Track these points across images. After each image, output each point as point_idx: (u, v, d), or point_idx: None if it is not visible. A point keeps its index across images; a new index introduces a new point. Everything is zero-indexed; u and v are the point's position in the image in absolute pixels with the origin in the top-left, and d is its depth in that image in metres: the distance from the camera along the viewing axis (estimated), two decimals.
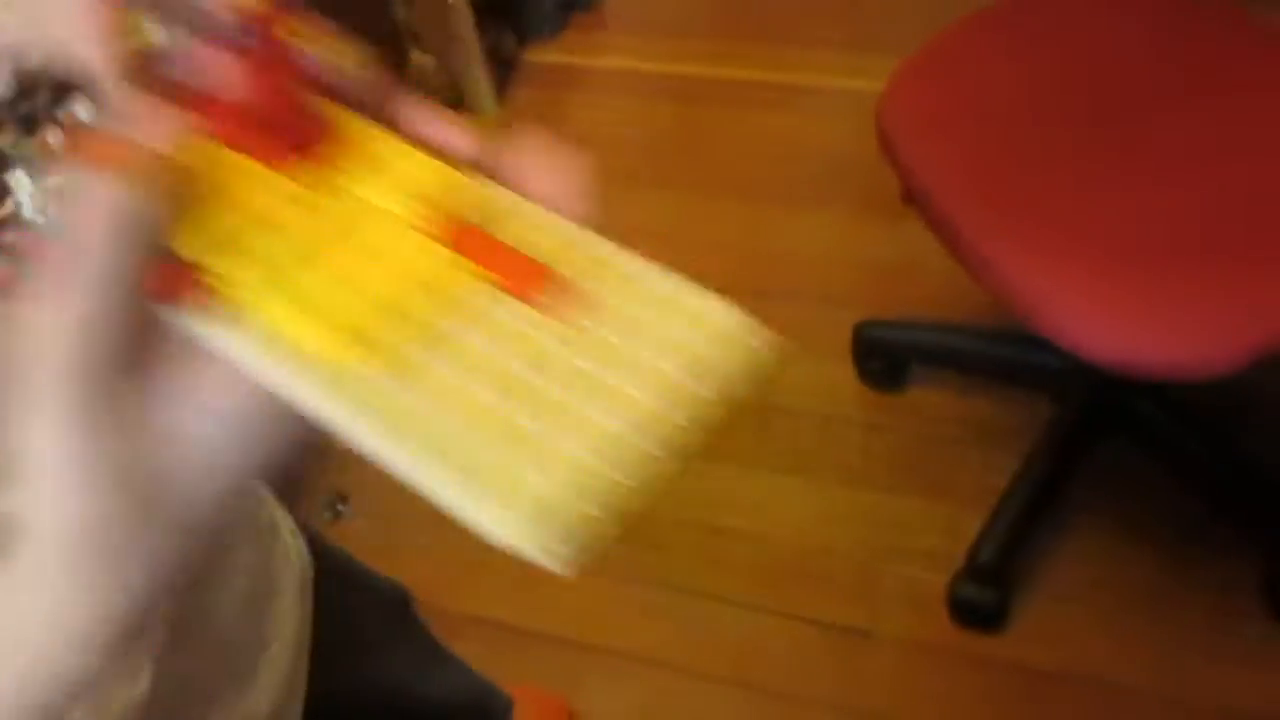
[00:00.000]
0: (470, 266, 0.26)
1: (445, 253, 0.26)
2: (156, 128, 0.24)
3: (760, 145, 1.80)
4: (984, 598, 1.24)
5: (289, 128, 0.27)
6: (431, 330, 0.24)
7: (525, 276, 0.25)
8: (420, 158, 0.27)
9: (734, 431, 1.45)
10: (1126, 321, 0.93)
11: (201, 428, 0.24)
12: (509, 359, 0.24)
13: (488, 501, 0.22)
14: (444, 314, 0.25)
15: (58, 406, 0.22)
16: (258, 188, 0.26)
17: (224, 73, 0.26)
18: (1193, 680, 1.19)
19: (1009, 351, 1.36)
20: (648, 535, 1.38)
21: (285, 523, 0.56)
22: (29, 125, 1.01)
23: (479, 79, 1.86)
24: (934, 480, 1.37)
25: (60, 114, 0.97)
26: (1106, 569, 1.28)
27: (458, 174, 0.27)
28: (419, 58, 1.85)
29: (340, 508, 1.44)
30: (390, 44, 1.55)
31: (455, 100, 1.90)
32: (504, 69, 1.98)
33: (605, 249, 0.27)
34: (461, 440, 0.23)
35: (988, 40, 1.15)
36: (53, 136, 1.02)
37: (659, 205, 1.72)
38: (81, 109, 0.98)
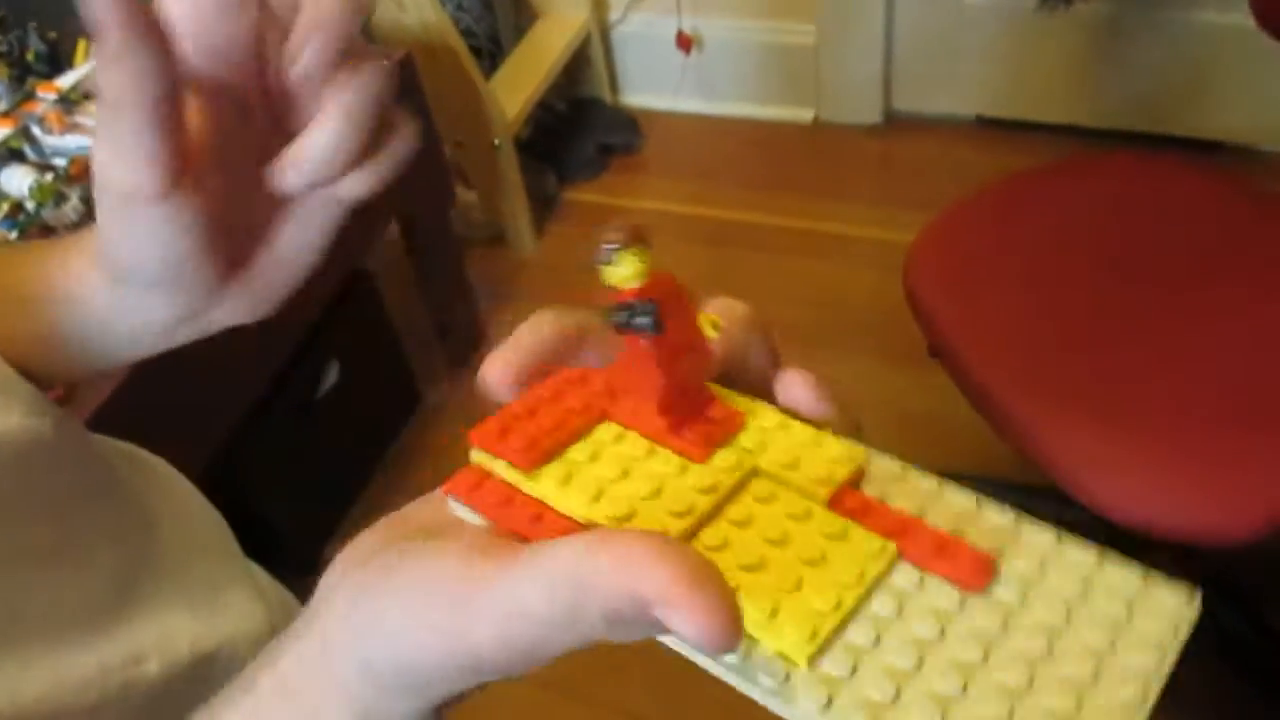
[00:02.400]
0: (896, 551, 0.26)
1: (876, 540, 0.26)
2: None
3: (791, 290, 1.84)
4: None
5: (698, 413, 0.28)
6: (876, 620, 0.24)
7: (969, 568, 0.25)
8: (812, 433, 0.29)
9: None
10: (1144, 483, 0.93)
11: None
12: (951, 647, 0.24)
13: None
14: (883, 603, 0.25)
15: None
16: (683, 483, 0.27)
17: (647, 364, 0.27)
18: None
19: (1031, 504, 1.35)
20: (664, 667, 1.36)
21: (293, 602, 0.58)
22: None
23: (520, 216, 1.93)
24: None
25: None
26: None
27: (857, 448, 0.28)
28: (464, 194, 1.93)
29: None
30: (439, 181, 1.62)
31: (496, 234, 1.97)
32: (545, 207, 2.05)
33: (1001, 517, 0.27)
34: None
35: (1015, 203, 1.19)
36: None
37: None
38: None
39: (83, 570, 0.40)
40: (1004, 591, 0.25)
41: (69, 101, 1.29)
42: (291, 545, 1.49)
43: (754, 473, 0.28)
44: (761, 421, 0.29)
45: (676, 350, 0.27)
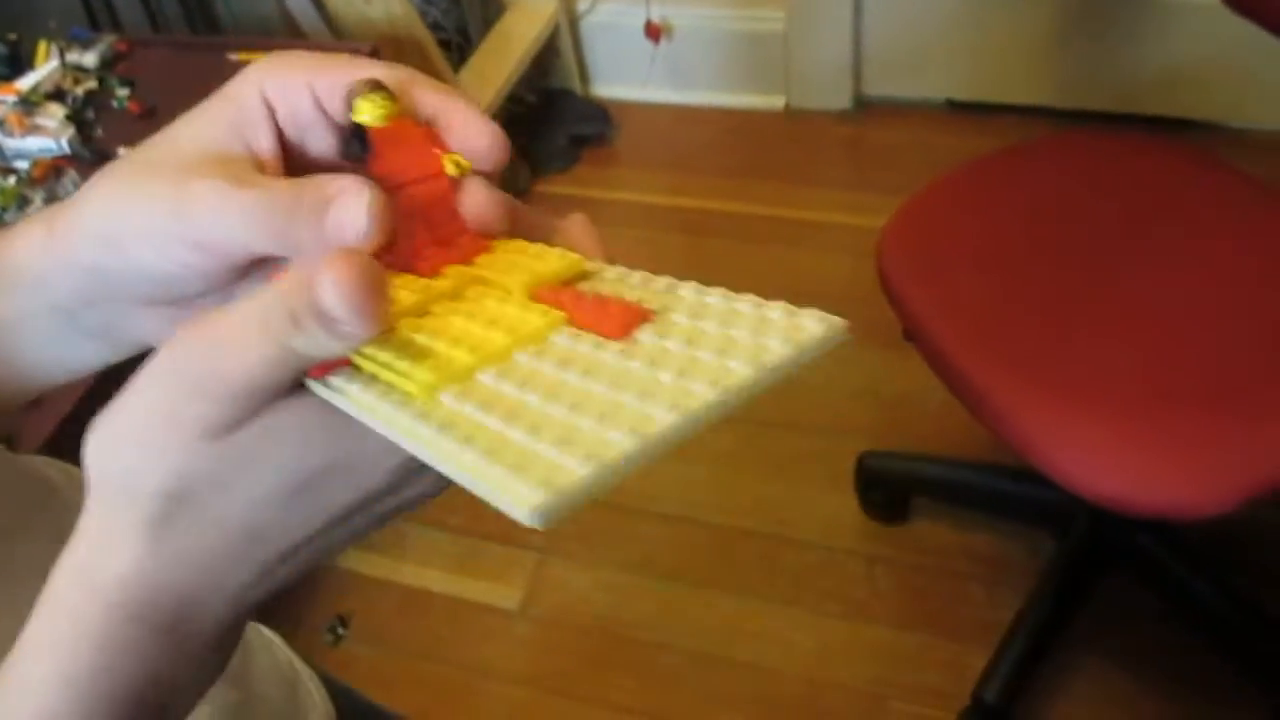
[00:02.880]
0: (564, 318, 0.29)
1: (551, 313, 0.30)
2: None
3: (765, 277, 1.84)
4: None
5: (451, 246, 0.33)
6: (511, 365, 0.28)
7: (609, 316, 0.29)
8: (540, 249, 0.33)
9: (740, 562, 1.45)
10: (1122, 460, 0.94)
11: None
12: (565, 374, 0.27)
13: (505, 478, 0.24)
14: (528, 353, 0.28)
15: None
16: (413, 288, 0.31)
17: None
18: None
19: (1011, 486, 1.36)
20: (655, 670, 1.36)
21: (304, 669, 0.57)
22: None
23: None
24: (937, 615, 1.36)
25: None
26: (1112, 709, 1.26)
27: (572, 256, 0.32)
28: None
29: (340, 631, 1.43)
30: None
31: None
32: (517, 199, 2.04)
33: (690, 291, 0.30)
34: (499, 437, 0.26)
35: (984, 186, 1.19)
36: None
37: None
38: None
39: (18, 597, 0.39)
40: (645, 336, 0.28)
41: (29, 103, 1.27)
42: None
43: (479, 280, 0.32)
44: (506, 248, 0.33)
45: (401, 177, 0.32)
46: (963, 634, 1.32)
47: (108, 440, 0.29)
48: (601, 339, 0.28)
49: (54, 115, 1.27)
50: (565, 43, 2.14)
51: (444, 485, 0.30)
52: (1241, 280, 1.05)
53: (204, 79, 1.55)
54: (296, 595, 1.45)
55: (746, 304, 0.29)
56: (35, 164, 1.15)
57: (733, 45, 2.13)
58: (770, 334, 0.27)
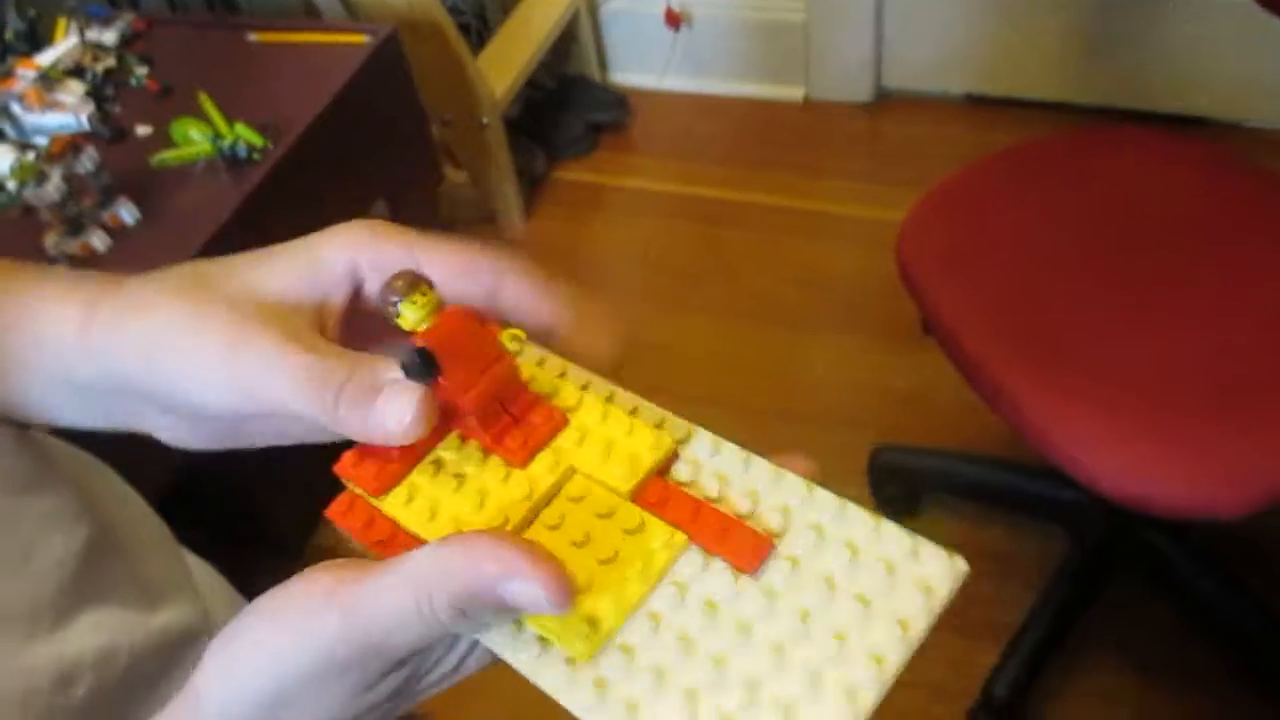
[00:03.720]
0: (686, 542, 0.29)
1: (666, 531, 0.29)
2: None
3: (782, 269, 1.84)
4: None
5: (519, 419, 0.32)
6: (654, 615, 0.28)
7: (738, 546, 0.29)
8: (619, 418, 0.32)
9: None
10: (1140, 459, 0.93)
11: None
12: (715, 638, 0.28)
13: None
14: (664, 596, 0.29)
15: None
16: (515, 491, 0.31)
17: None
18: None
19: (1024, 483, 1.36)
20: None
21: None
22: (75, 227, 1.07)
23: (509, 196, 1.92)
24: (947, 611, 1.35)
25: (105, 216, 1.03)
26: (1122, 708, 1.25)
27: (664, 439, 0.31)
28: (453, 175, 1.91)
29: None
30: (425, 160, 1.61)
31: (485, 214, 1.96)
32: (534, 186, 2.04)
33: (793, 491, 0.30)
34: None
35: (1006, 179, 1.18)
36: (98, 239, 1.07)
37: (679, 324, 1.75)
38: (126, 212, 1.04)
39: (20, 570, 0.39)
40: (775, 572, 0.28)
41: (48, 79, 1.27)
42: (278, 531, 1.48)
43: (570, 473, 0.31)
44: (583, 417, 0.32)
45: (466, 382, 0.31)
46: (972, 630, 1.32)
47: (238, 679, 0.29)
48: (733, 571, 0.29)
49: (73, 91, 1.27)
50: (584, 29, 2.13)
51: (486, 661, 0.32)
52: (1267, 278, 1.04)
53: (222, 59, 1.54)
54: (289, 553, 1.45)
55: (859, 522, 0.29)
56: (54, 140, 1.15)
57: (752, 35, 2.11)
58: (899, 587, 0.28)
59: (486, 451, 0.32)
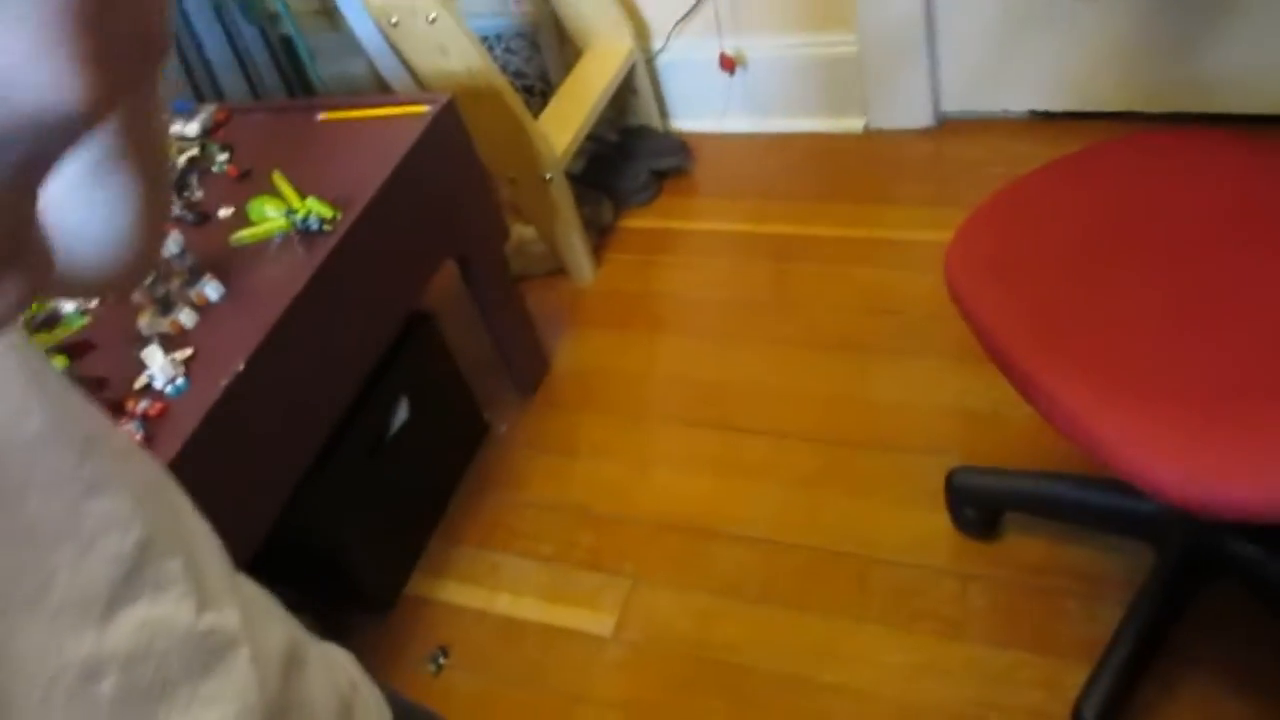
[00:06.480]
0: None
1: None
2: None
3: (850, 298, 1.84)
4: None
5: None
6: None
7: None
8: None
9: (833, 584, 1.45)
10: (1205, 463, 0.91)
11: None
12: None
13: None
14: None
15: None
16: None
17: None
18: None
19: (1103, 498, 1.33)
20: (746, 693, 1.37)
21: (371, 691, 0.59)
22: (165, 306, 1.16)
23: (577, 246, 1.97)
24: (1033, 632, 1.33)
25: (193, 294, 1.12)
26: None
27: None
28: (521, 230, 1.97)
29: (442, 661, 1.48)
30: (490, 219, 1.67)
31: (556, 267, 2.02)
32: (603, 236, 2.09)
33: None
34: None
35: (1050, 191, 1.18)
36: (186, 316, 1.16)
37: (753, 359, 1.77)
38: (211, 289, 1.13)
39: (78, 564, 0.42)
40: None
41: None
42: (370, 585, 1.53)
43: None
44: None
45: None
46: (1060, 650, 1.29)
47: None
48: None
49: None
50: (642, 80, 2.19)
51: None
52: None
53: (295, 139, 1.64)
54: (397, 628, 1.50)
55: None
56: None
57: (807, 71, 2.14)
58: None
59: None
